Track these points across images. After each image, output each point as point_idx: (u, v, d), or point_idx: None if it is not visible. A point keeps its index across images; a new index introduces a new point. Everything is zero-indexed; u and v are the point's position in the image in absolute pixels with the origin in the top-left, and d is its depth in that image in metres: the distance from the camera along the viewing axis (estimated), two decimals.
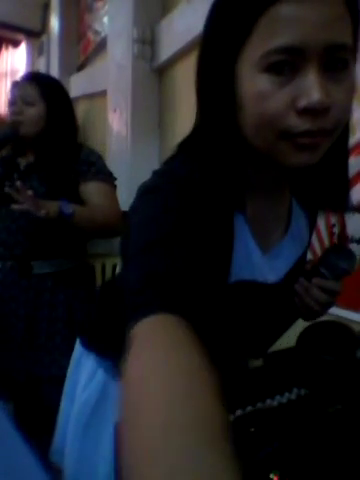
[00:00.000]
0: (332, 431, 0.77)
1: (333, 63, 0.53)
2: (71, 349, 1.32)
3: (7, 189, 1.24)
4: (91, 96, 4.00)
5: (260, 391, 0.87)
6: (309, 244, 0.85)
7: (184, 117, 3.37)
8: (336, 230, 1.97)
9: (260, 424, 0.75)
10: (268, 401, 0.85)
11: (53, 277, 1.44)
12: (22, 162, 1.49)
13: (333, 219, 1.97)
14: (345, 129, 0.64)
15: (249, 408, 0.82)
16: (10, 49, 7.09)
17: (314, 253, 2.10)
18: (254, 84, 0.55)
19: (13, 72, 7.17)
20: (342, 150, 0.66)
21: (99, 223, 1.42)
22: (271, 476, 0.65)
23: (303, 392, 0.88)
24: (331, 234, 2.00)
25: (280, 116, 0.54)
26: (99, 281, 1.94)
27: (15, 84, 1.50)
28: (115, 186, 1.54)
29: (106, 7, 4.67)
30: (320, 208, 0.77)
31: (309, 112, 0.53)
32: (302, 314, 0.80)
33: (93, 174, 1.46)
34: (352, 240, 1.92)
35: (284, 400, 0.85)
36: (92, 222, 1.39)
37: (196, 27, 3.07)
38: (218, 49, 0.61)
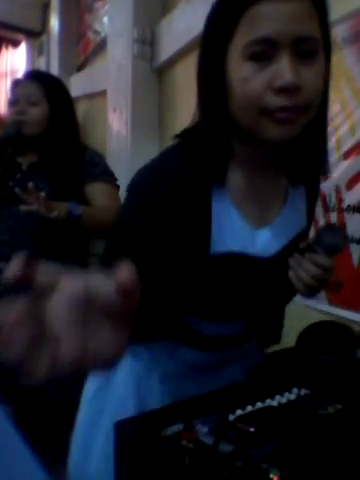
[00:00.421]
0: (332, 431, 0.77)
1: (303, 52, 0.65)
2: None
3: (17, 190, 1.23)
4: (91, 96, 4.00)
5: (260, 391, 0.87)
6: (310, 224, 0.90)
7: (184, 117, 3.36)
8: None
9: (260, 424, 0.75)
10: (268, 401, 0.85)
11: None
12: (24, 162, 1.47)
13: (333, 219, 1.98)
14: (323, 109, 0.75)
15: (249, 408, 0.82)
16: (10, 49, 7.09)
17: None
18: (239, 70, 0.68)
19: (13, 72, 7.17)
20: (321, 126, 0.76)
21: (104, 224, 1.41)
22: (271, 476, 0.65)
23: (303, 392, 0.88)
24: None
25: (260, 95, 0.66)
26: None
27: (16, 83, 1.48)
28: (118, 186, 1.54)
29: (106, 7, 4.67)
30: (304, 177, 0.82)
31: (283, 91, 0.64)
32: (297, 289, 0.82)
33: (97, 175, 1.47)
34: (352, 240, 1.92)
35: (284, 400, 0.85)
36: (97, 223, 1.40)
37: (196, 27, 3.05)
38: (212, 43, 0.74)
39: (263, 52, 0.65)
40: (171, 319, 0.82)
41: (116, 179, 1.57)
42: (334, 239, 0.79)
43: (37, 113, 1.41)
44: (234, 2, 0.67)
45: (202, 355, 0.90)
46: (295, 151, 0.77)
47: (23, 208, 1.26)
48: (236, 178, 0.77)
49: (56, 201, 1.30)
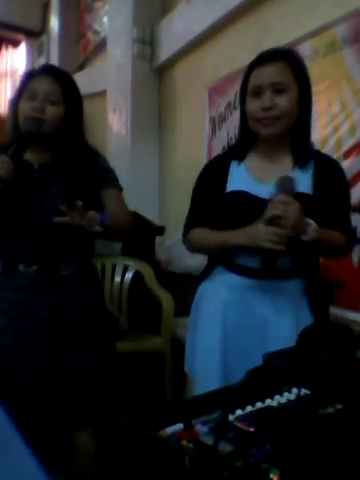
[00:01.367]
0: (332, 431, 0.77)
1: (277, 89, 1.21)
2: (95, 344, 1.42)
3: (62, 207, 1.25)
4: (91, 96, 4.00)
5: (260, 391, 0.87)
6: (318, 192, 1.25)
7: (184, 117, 3.38)
8: None
9: (260, 424, 0.75)
10: (268, 401, 0.85)
11: (77, 277, 1.45)
12: (34, 161, 1.43)
13: None
14: (305, 116, 1.28)
15: (249, 408, 0.82)
16: (10, 49, 7.09)
17: None
18: (249, 103, 1.27)
19: (13, 72, 7.17)
20: (304, 126, 1.29)
21: (121, 228, 1.48)
22: (271, 476, 0.65)
23: (303, 392, 0.88)
24: None
25: (256, 113, 1.24)
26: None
27: (31, 74, 1.41)
28: (122, 189, 1.58)
29: (106, 7, 4.67)
30: (304, 158, 1.28)
31: (264, 109, 1.22)
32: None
33: (110, 181, 1.51)
34: None
35: (284, 400, 0.85)
36: (117, 228, 1.44)
37: (196, 27, 3.07)
38: (241, 92, 1.32)
39: (258, 92, 1.24)
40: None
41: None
42: (285, 183, 1.14)
43: (56, 113, 1.38)
44: (247, 73, 1.31)
45: (242, 280, 1.27)
46: (293, 142, 1.30)
47: (57, 220, 1.29)
48: (252, 157, 1.34)
49: (92, 212, 1.33)
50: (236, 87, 2.66)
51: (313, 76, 2.11)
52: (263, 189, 1.21)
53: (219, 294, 1.31)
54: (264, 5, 2.41)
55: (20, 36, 6.92)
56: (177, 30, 3.19)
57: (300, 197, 1.16)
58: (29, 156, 1.40)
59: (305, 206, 1.14)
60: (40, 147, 1.41)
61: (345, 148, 1.92)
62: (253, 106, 1.22)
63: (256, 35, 2.47)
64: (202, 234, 1.34)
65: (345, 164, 1.92)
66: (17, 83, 1.46)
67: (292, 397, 0.87)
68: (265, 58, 1.24)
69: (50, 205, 1.36)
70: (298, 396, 0.87)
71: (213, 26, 2.79)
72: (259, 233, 1.13)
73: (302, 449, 0.71)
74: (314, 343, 0.99)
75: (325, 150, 2.02)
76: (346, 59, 1.91)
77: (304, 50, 2.13)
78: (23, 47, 7.01)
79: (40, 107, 1.36)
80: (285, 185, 1.13)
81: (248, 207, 1.23)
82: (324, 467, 0.70)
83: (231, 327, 1.27)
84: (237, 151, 1.33)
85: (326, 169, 1.27)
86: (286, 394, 0.87)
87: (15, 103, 1.42)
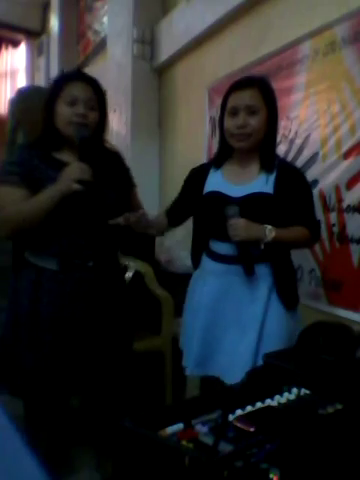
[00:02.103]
0: (332, 431, 0.77)
1: (250, 111, 1.42)
2: (132, 332, 1.61)
3: (123, 219, 1.38)
4: None
5: (260, 391, 0.87)
6: (279, 193, 1.46)
7: (184, 117, 3.37)
8: (336, 230, 1.98)
9: (260, 424, 0.75)
10: (268, 401, 0.85)
11: (118, 270, 1.61)
12: (65, 159, 1.45)
13: (333, 219, 1.98)
14: (272, 132, 1.51)
15: (249, 408, 0.82)
16: (10, 49, 7.09)
17: (314, 252, 2.10)
18: (227, 120, 1.48)
19: (13, 72, 7.17)
20: (271, 141, 1.52)
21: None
22: (271, 476, 0.65)
23: (303, 392, 0.88)
24: (331, 234, 2.00)
25: (231, 130, 1.46)
26: None
27: (66, 79, 1.46)
28: None
29: (106, 7, 4.66)
30: (269, 166, 1.49)
31: (238, 127, 1.44)
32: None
33: (133, 180, 1.64)
34: (352, 240, 1.92)
35: (284, 400, 0.85)
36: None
37: (195, 27, 3.07)
38: (221, 112, 1.51)
39: (234, 112, 1.45)
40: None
41: None
42: (231, 210, 1.40)
43: (95, 118, 1.45)
44: (226, 95, 1.50)
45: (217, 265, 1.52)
46: (261, 153, 1.52)
47: (112, 222, 1.39)
48: (228, 164, 1.58)
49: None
50: None
51: (313, 76, 2.12)
52: (235, 189, 1.48)
53: (203, 279, 1.57)
54: (264, 5, 2.41)
55: (20, 36, 6.92)
56: (177, 30, 3.19)
57: (262, 196, 1.46)
58: (66, 158, 1.45)
59: (266, 204, 1.45)
60: (73, 149, 1.45)
61: (345, 148, 1.91)
62: (230, 124, 1.45)
63: (256, 35, 2.47)
64: None
65: (345, 164, 1.92)
66: (50, 86, 1.51)
67: (292, 397, 0.87)
68: (242, 84, 1.48)
69: (103, 206, 1.46)
70: (298, 396, 0.87)
71: (213, 26, 2.79)
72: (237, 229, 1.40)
73: (302, 449, 0.71)
74: (314, 343, 0.99)
75: (325, 150, 2.02)
76: (346, 59, 1.91)
77: (304, 50, 2.13)
78: (23, 47, 7.01)
79: (84, 113, 1.41)
80: (231, 211, 1.40)
81: (220, 205, 1.45)
82: (324, 467, 0.70)
83: (211, 305, 1.51)
84: (215, 160, 1.59)
85: (287, 174, 1.50)
86: (286, 394, 0.87)
87: (51, 106, 1.45)
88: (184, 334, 1.66)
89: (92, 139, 1.44)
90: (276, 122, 1.51)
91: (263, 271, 1.47)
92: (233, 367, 1.42)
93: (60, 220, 1.41)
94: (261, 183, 1.47)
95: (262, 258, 1.45)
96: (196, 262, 1.63)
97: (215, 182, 1.54)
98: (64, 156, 1.46)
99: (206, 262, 1.57)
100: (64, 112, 1.42)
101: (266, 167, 1.49)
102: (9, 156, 1.50)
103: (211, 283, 1.52)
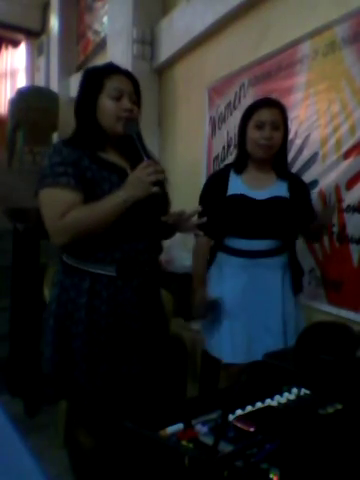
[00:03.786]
0: (332, 431, 0.77)
1: (274, 126, 1.62)
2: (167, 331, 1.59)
3: (172, 217, 1.37)
4: None
5: (260, 391, 0.87)
6: (293, 196, 1.70)
7: (184, 117, 3.38)
8: (336, 230, 1.98)
9: (260, 424, 0.75)
10: (268, 401, 0.85)
11: (159, 271, 1.58)
12: (122, 164, 1.39)
13: (333, 219, 1.98)
14: (284, 144, 1.70)
15: (249, 408, 0.82)
16: (10, 49, 7.09)
17: (314, 252, 2.10)
18: (253, 132, 1.64)
19: (13, 72, 7.17)
20: (284, 151, 1.71)
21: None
22: (271, 476, 0.65)
23: (303, 392, 0.88)
24: (331, 234, 2.01)
25: (258, 141, 1.63)
26: None
27: (106, 72, 1.38)
28: None
29: (106, 7, 4.66)
30: (282, 173, 1.72)
31: (266, 139, 1.62)
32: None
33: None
34: (352, 240, 1.92)
35: (284, 400, 0.85)
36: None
37: (196, 27, 3.07)
38: (242, 123, 1.70)
39: (261, 126, 1.61)
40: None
41: None
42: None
43: (138, 112, 1.40)
44: (251, 109, 1.68)
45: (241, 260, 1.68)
46: (276, 163, 1.71)
47: (165, 219, 1.37)
48: (246, 172, 1.72)
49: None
50: (236, 87, 2.66)
51: (313, 76, 2.12)
52: (256, 193, 1.68)
53: (223, 275, 1.71)
54: (264, 5, 2.41)
55: (20, 36, 6.93)
56: (177, 30, 3.19)
57: (281, 199, 1.68)
58: (117, 160, 1.38)
59: (284, 205, 1.67)
60: (117, 148, 1.39)
61: (345, 148, 1.92)
62: (257, 135, 1.62)
63: (256, 35, 2.47)
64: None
65: (345, 164, 1.92)
66: (87, 80, 1.40)
67: (292, 397, 0.87)
68: (269, 103, 1.70)
69: (160, 207, 1.39)
70: (298, 396, 0.87)
71: (213, 26, 2.79)
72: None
73: (302, 449, 0.71)
74: (314, 343, 0.99)
75: (325, 150, 2.02)
76: (346, 59, 1.91)
77: (304, 50, 2.13)
78: (23, 47, 7.01)
79: (131, 108, 1.36)
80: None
81: (246, 206, 1.66)
82: (324, 467, 0.70)
83: (238, 297, 1.67)
84: (236, 166, 1.74)
85: (296, 181, 1.75)
86: (286, 394, 0.87)
87: (92, 99, 1.36)
88: (211, 327, 1.75)
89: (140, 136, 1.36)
90: (287, 138, 1.73)
91: (277, 262, 1.68)
92: (270, 346, 1.49)
93: (124, 225, 1.32)
94: (279, 188, 1.69)
95: (279, 251, 1.68)
96: (210, 259, 1.76)
97: (237, 186, 1.70)
98: (110, 156, 1.37)
99: (224, 258, 1.71)
100: (111, 107, 1.34)
101: (282, 175, 1.71)
102: (54, 155, 1.34)
103: (234, 277, 1.68)
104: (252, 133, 1.64)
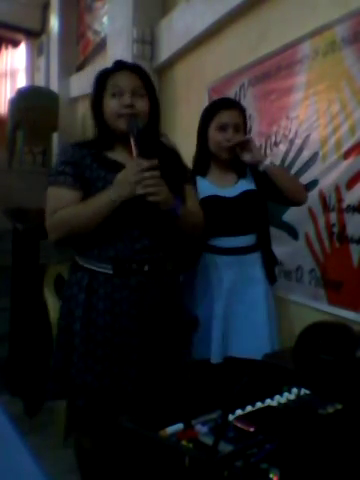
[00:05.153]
0: (332, 431, 0.77)
1: (235, 128, 1.67)
2: (189, 336, 1.53)
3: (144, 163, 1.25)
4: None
5: (260, 391, 0.87)
6: (259, 184, 1.74)
7: (184, 116, 3.37)
8: (336, 230, 1.98)
9: (260, 424, 0.75)
10: (268, 401, 0.85)
11: (174, 274, 1.49)
12: (118, 158, 1.37)
13: (333, 219, 1.98)
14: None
15: (249, 408, 0.82)
16: (10, 49, 7.09)
17: (314, 252, 2.10)
18: (214, 134, 1.68)
19: (13, 72, 7.17)
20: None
21: (194, 228, 1.47)
22: (271, 476, 0.65)
23: (303, 392, 0.89)
24: (331, 234, 2.01)
25: (222, 143, 1.67)
26: None
27: (108, 72, 1.39)
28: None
29: (106, 7, 4.66)
30: (242, 172, 1.75)
31: (229, 141, 1.65)
32: None
33: (188, 178, 1.51)
34: (352, 240, 1.92)
35: (284, 400, 0.86)
36: (189, 225, 1.44)
37: (196, 27, 3.07)
38: (202, 126, 1.74)
39: (223, 127, 1.65)
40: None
41: None
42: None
43: (145, 105, 1.35)
44: (211, 111, 1.72)
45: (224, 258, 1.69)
46: (235, 161, 1.72)
47: (140, 192, 1.28)
48: (212, 171, 1.75)
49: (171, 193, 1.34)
50: (236, 87, 2.66)
51: (313, 76, 2.11)
52: (227, 191, 1.71)
53: (210, 274, 1.71)
54: (264, 5, 2.41)
55: (20, 36, 6.92)
56: (177, 30, 3.19)
57: (251, 192, 1.72)
58: (120, 158, 1.37)
59: (255, 197, 1.72)
60: (127, 146, 1.36)
61: (345, 148, 1.91)
62: (220, 137, 1.66)
63: (256, 35, 2.47)
64: None
65: (345, 164, 1.92)
66: (95, 82, 1.42)
67: (292, 397, 0.87)
68: (229, 104, 1.73)
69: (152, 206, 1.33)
70: (298, 396, 0.87)
71: (213, 26, 2.79)
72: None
73: (302, 449, 0.71)
74: (314, 343, 0.99)
75: (325, 150, 2.02)
76: (346, 59, 1.91)
77: (304, 50, 2.13)
78: (23, 47, 7.01)
79: (131, 103, 1.33)
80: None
81: (220, 206, 1.69)
82: (324, 467, 0.70)
83: (226, 293, 1.67)
84: (199, 169, 1.75)
85: (256, 172, 1.73)
86: (286, 394, 0.87)
87: (98, 103, 1.38)
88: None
89: (147, 130, 1.34)
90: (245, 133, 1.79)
91: (258, 256, 1.73)
92: (256, 341, 1.62)
93: (116, 223, 1.33)
94: (245, 183, 1.74)
95: (258, 245, 1.73)
96: (192, 262, 1.72)
97: (206, 188, 1.70)
98: (117, 155, 1.37)
99: (209, 258, 1.70)
100: (111, 105, 1.35)
101: (243, 170, 1.75)
102: (60, 155, 1.41)
103: (220, 275, 1.68)
104: (214, 135, 1.67)
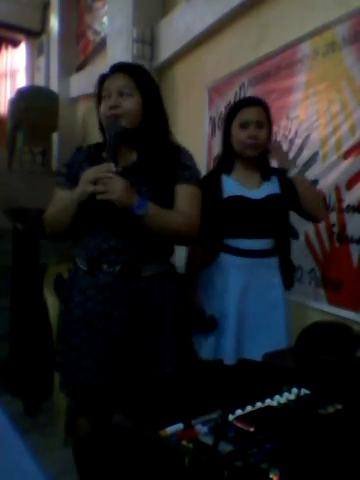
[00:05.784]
0: (332, 431, 0.77)
1: (259, 125, 1.64)
2: (181, 348, 1.45)
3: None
4: (91, 96, 3.99)
5: (260, 391, 0.87)
6: (283, 190, 1.71)
7: (184, 116, 3.38)
8: (336, 230, 1.98)
9: (260, 424, 0.75)
10: (268, 401, 0.85)
11: (158, 278, 1.42)
12: (120, 161, 1.36)
13: (333, 219, 1.98)
14: (268, 145, 1.71)
15: (249, 408, 0.82)
16: (10, 49, 7.09)
17: (314, 252, 2.10)
18: (237, 132, 1.67)
19: (13, 72, 7.17)
20: (268, 152, 1.73)
21: (174, 230, 1.38)
22: (271, 476, 0.65)
23: (303, 392, 0.88)
24: (331, 234, 2.01)
25: (244, 141, 1.65)
26: None
27: (103, 77, 1.41)
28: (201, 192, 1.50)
29: (106, 7, 4.66)
30: (268, 173, 1.73)
31: (250, 138, 1.63)
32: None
33: (186, 178, 1.42)
34: (352, 240, 1.92)
35: (284, 400, 0.86)
36: (165, 228, 1.37)
37: (196, 27, 3.07)
38: (226, 123, 1.73)
39: (245, 125, 1.64)
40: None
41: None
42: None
43: (131, 104, 1.35)
44: (233, 109, 1.72)
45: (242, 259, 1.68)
46: (262, 162, 1.72)
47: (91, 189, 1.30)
48: (235, 172, 1.73)
49: (131, 191, 1.30)
50: (236, 87, 2.66)
51: (313, 76, 2.12)
52: (253, 193, 1.69)
53: (224, 274, 1.70)
54: (264, 5, 2.41)
55: (20, 36, 6.92)
56: (177, 30, 3.19)
57: (276, 196, 1.69)
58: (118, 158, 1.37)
59: (280, 202, 1.69)
60: (126, 146, 1.38)
61: (345, 148, 1.92)
62: (242, 135, 1.65)
63: (256, 35, 2.47)
64: None
65: (345, 164, 1.92)
66: (95, 88, 1.45)
67: (292, 397, 0.87)
68: (251, 102, 1.73)
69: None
70: (298, 396, 0.87)
71: (213, 26, 2.79)
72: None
73: (302, 449, 0.71)
74: (314, 343, 0.99)
75: (325, 150, 2.02)
76: (346, 59, 1.91)
77: (304, 50, 2.13)
78: (23, 47, 7.00)
79: (115, 103, 1.35)
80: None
81: (245, 207, 1.67)
82: (324, 467, 0.70)
83: (239, 296, 1.67)
84: (224, 167, 1.74)
85: (282, 176, 1.74)
86: (286, 394, 0.87)
87: (98, 107, 1.42)
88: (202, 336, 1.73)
89: (130, 131, 1.34)
90: (271, 136, 1.76)
91: (275, 261, 1.71)
92: (271, 344, 1.52)
93: (91, 222, 1.37)
94: (270, 186, 1.70)
95: (276, 250, 1.71)
96: (209, 260, 1.73)
97: (233, 187, 1.70)
98: (120, 157, 1.37)
99: (226, 258, 1.69)
100: (102, 109, 1.38)
101: (269, 173, 1.73)
102: (69, 158, 1.49)
103: (236, 276, 1.68)
104: (237, 133, 1.66)
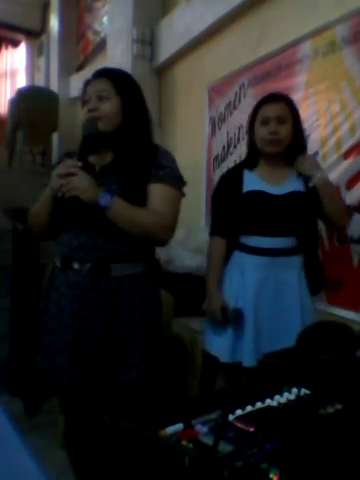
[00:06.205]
0: (332, 431, 0.77)
1: (280, 121, 1.63)
2: (149, 353, 1.41)
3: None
4: None
5: (260, 391, 0.87)
6: (308, 188, 1.65)
7: (184, 117, 3.38)
8: (336, 230, 1.98)
9: (260, 424, 0.75)
10: (268, 401, 0.85)
11: (129, 279, 1.40)
12: (98, 162, 1.42)
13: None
14: (300, 138, 1.69)
15: (249, 408, 0.82)
16: (10, 49, 7.09)
17: None
18: (259, 129, 1.66)
19: (13, 72, 7.17)
20: (299, 146, 1.68)
21: (143, 228, 1.36)
22: (271, 476, 0.65)
23: (303, 392, 0.88)
24: (331, 234, 2.01)
25: (265, 137, 1.63)
26: None
27: (87, 82, 1.45)
28: (182, 193, 1.46)
29: (106, 7, 4.66)
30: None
31: (271, 134, 1.62)
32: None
33: (160, 177, 1.40)
34: (352, 240, 1.92)
35: (284, 400, 0.85)
36: (134, 224, 1.35)
37: (196, 27, 3.07)
38: (251, 120, 1.71)
39: (266, 121, 1.63)
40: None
41: (183, 184, 1.47)
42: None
43: (109, 107, 1.38)
44: (256, 106, 1.70)
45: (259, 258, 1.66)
46: (289, 156, 1.68)
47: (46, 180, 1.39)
48: (259, 168, 1.71)
49: (95, 186, 1.32)
50: (236, 87, 2.66)
51: (313, 76, 2.12)
52: (274, 189, 1.65)
53: (240, 272, 1.69)
54: (264, 5, 2.41)
55: (20, 36, 6.92)
56: (177, 30, 3.19)
57: (298, 194, 1.65)
58: (93, 159, 1.41)
59: (302, 200, 1.65)
60: (106, 148, 1.42)
61: (345, 148, 1.92)
62: (263, 132, 1.64)
63: (256, 35, 2.47)
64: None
65: (345, 164, 1.92)
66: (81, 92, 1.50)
67: (292, 397, 0.87)
68: (271, 98, 1.70)
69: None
70: (298, 396, 0.87)
71: (213, 26, 2.79)
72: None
73: (302, 449, 0.71)
74: (314, 343, 0.99)
75: (325, 150, 2.02)
76: (346, 59, 1.91)
77: (304, 50, 2.13)
78: (23, 47, 7.01)
79: (93, 106, 1.38)
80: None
81: (265, 202, 1.65)
82: (324, 467, 0.70)
83: (255, 294, 1.65)
84: (248, 163, 1.73)
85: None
86: (286, 394, 0.87)
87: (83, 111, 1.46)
88: (218, 328, 1.71)
89: (104, 134, 1.38)
90: (301, 131, 1.71)
91: (295, 261, 1.67)
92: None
93: (65, 219, 1.41)
94: (294, 183, 1.67)
95: (297, 249, 1.66)
96: (227, 257, 1.72)
97: (254, 182, 1.68)
98: (98, 157, 1.42)
99: (241, 257, 1.69)
100: (83, 113, 1.42)
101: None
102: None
103: (252, 276, 1.66)
104: (258, 130, 1.65)
